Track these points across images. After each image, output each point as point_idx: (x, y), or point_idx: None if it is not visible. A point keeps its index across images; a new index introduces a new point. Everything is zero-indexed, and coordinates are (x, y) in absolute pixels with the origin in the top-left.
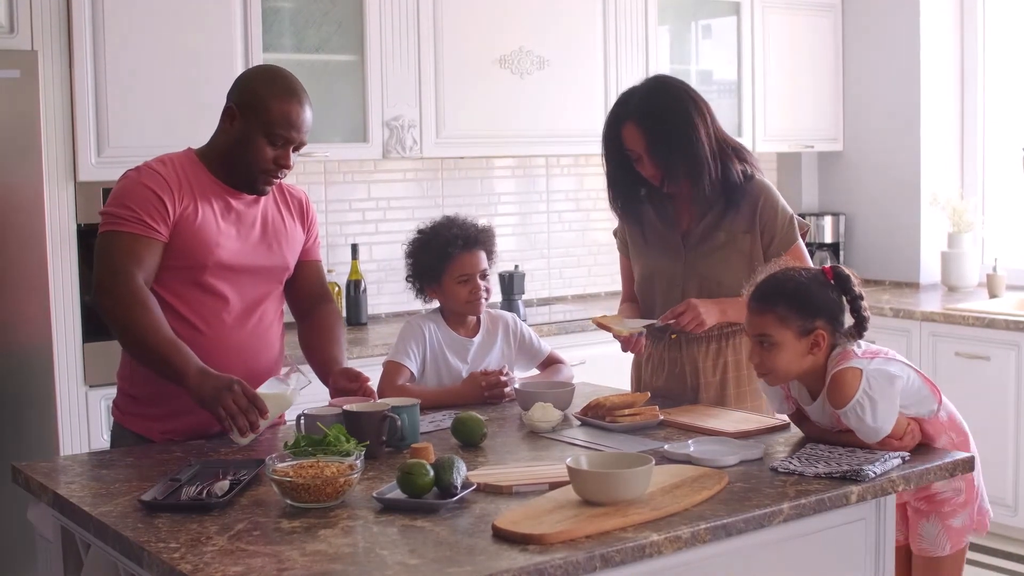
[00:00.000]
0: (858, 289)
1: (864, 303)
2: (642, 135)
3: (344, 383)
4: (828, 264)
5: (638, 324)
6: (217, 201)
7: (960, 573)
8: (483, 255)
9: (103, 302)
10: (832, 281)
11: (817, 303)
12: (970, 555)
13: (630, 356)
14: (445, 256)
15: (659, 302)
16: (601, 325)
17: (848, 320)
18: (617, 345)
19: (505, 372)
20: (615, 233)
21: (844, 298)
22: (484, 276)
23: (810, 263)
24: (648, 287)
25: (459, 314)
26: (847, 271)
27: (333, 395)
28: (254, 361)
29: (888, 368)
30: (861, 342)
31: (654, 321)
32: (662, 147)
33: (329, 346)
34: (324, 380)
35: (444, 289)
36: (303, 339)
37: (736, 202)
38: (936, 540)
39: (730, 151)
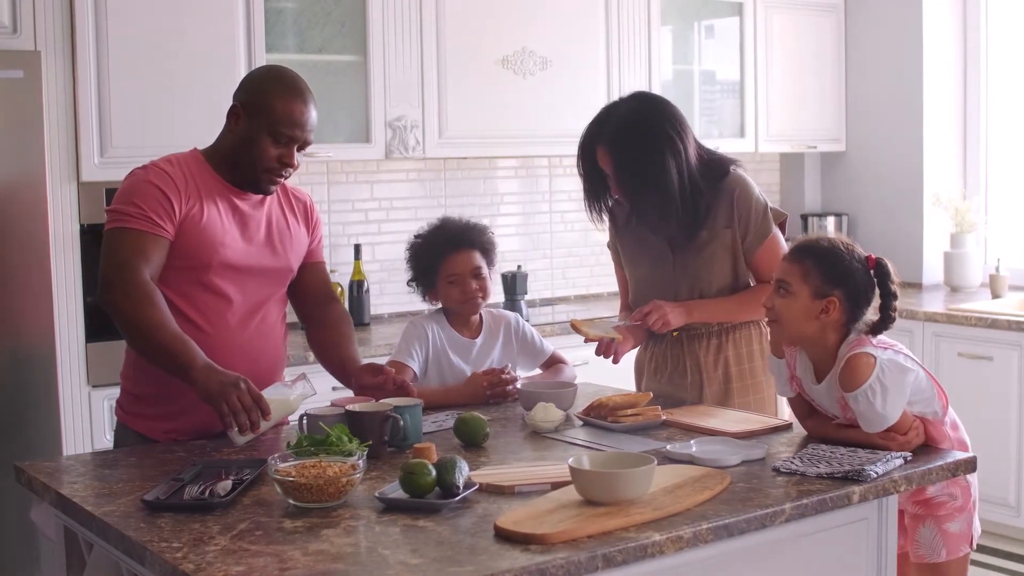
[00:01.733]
0: (894, 288)
1: (895, 303)
2: (613, 165)
3: (368, 379)
4: (875, 255)
5: (605, 327)
6: (222, 201)
7: None
8: (475, 254)
9: (109, 297)
10: (872, 270)
11: (843, 274)
12: (972, 555)
13: (633, 357)
14: (435, 258)
15: None
16: (575, 327)
17: (873, 314)
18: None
19: (507, 371)
20: (609, 246)
21: (878, 291)
22: (478, 275)
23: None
24: (641, 294)
25: (459, 314)
26: (890, 267)
27: (357, 393)
28: (256, 362)
29: (900, 360)
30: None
31: (619, 324)
32: (630, 185)
33: (344, 345)
34: (343, 380)
35: (439, 291)
36: (314, 341)
37: (715, 200)
38: (932, 545)
39: (705, 172)
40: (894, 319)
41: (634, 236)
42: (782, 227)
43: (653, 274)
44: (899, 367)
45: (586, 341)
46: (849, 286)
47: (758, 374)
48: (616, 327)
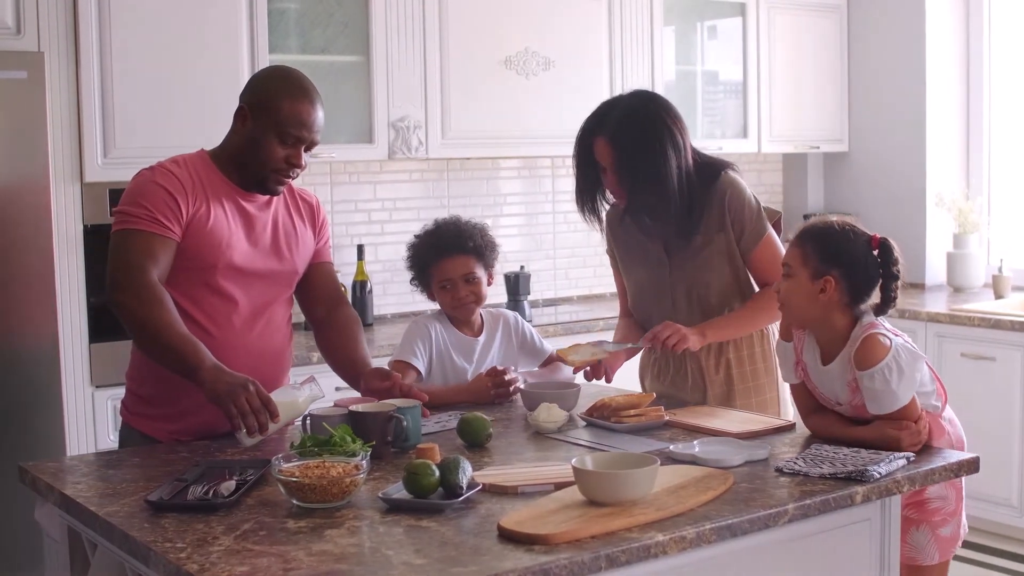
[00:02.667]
0: (895, 269)
1: (897, 284)
2: (612, 157)
3: (376, 383)
4: (880, 236)
5: (588, 350)
6: (229, 203)
7: None
8: (467, 259)
9: (118, 298)
10: (875, 250)
11: (837, 253)
12: (975, 555)
13: (637, 358)
14: (427, 263)
15: (653, 313)
16: (560, 359)
17: (875, 295)
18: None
19: (509, 371)
20: (607, 252)
21: (879, 271)
22: (470, 280)
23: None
24: (640, 299)
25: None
26: (894, 248)
27: (365, 395)
28: (261, 364)
29: (911, 348)
30: (885, 321)
31: (603, 341)
32: (628, 178)
33: (354, 348)
34: (353, 383)
35: (434, 296)
36: (323, 344)
37: (708, 204)
38: (925, 549)
39: (699, 173)
40: (894, 300)
41: (630, 242)
42: (776, 226)
43: (650, 279)
44: (912, 353)
45: (575, 371)
46: (845, 265)
47: (760, 376)
48: (599, 343)
